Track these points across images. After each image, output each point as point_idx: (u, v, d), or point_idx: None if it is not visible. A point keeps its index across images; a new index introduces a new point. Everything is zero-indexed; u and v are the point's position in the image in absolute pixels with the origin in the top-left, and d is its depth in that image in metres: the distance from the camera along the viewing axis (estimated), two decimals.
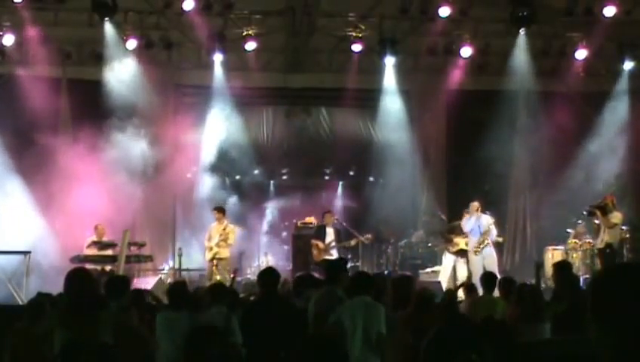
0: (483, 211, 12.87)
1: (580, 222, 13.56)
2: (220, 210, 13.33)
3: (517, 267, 14.05)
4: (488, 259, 12.43)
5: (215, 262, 12.92)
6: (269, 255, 15.58)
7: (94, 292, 4.95)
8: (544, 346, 3.40)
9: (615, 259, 11.80)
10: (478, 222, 12.80)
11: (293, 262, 13.99)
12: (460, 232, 12.81)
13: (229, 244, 13.00)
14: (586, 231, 13.44)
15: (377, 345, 5.59)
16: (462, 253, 12.71)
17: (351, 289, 6.03)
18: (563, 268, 7.87)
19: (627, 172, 14.91)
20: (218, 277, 13.11)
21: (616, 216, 12.10)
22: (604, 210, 12.07)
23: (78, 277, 4.86)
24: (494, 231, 12.81)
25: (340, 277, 6.41)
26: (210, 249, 12.99)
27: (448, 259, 12.83)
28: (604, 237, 12.03)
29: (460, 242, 12.74)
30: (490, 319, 3.29)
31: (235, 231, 13.14)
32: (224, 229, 13.00)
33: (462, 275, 12.54)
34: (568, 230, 13.80)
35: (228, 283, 11.73)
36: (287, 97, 15.93)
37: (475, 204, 12.92)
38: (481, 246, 12.63)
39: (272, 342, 5.77)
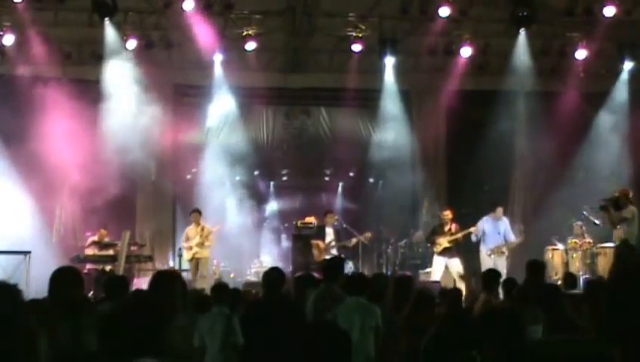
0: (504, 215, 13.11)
1: (578, 222, 13.55)
2: (198, 212, 13.40)
3: (517, 267, 14.01)
4: (500, 263, 12.50)
5: (195, 262, 12.97)
6: (262, 256, 15.59)
7: (79, 294, 4.77)
8: (543, 346, 3.40)
9: (632, 256, 11.44)
10: (496, 228, 12.85)
11: (293, 262, 13.98)
12: (441, 232, 12.86)
13: (208, 245, 13.06)
14: (584, 231, 13.42)
15: (375, 341, 5.61)
16: (448, 252, 12.74)
17: (345, 290, 6.06)
18: (534, 267, 7.88)
19: (627, 172, 14.89)
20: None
21: (630, 211, 11.57)
22: (617, 204, 11.82)
23: (63, 279, 4.70)
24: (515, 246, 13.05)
25: (338, 276, 6.43)
26: (190, 248, 13.07)
27: (438, 260, 12.86)
28: (619, 234, 11.79)
29: (443, 241, 12.78)
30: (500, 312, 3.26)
31: (213, 232, 13.17)
32: (202, 230, 13.07)
33: (456, 272, 12.57)
34: (553, 239, 13.78)
35: (210, 281, 11.83)
36: (287, 97, 15.91)
37: (501, 210, 13.01)
38: (499, 253, 12.69)
39: (272, 342, 5.76)
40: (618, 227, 11.66)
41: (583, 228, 13.47)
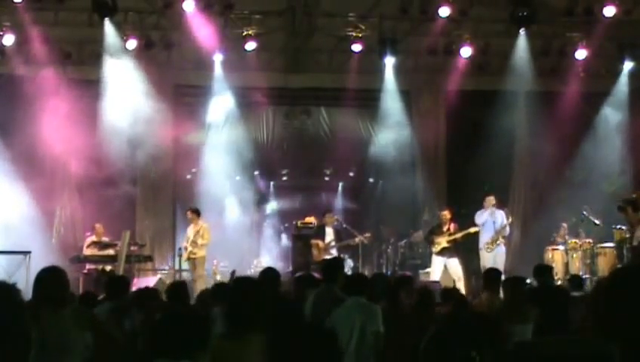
0: (499, 207, 13.07)
1: (563, 224, 13.57)
2: (194, 211, 13.36)
3: (516, 267, 14.02)
4: (499, 258, 12.53)
5: (192, 261, 12.95)
6: (261, 256, 15.59)
7: (65, 293, 4.80)
8: (540, 346, 3.40)
9: None
10: (492, 218, 12.89)
11: (293, 262, 13.99)
12: (440, 232, 12.87)
13: (203, 244, 13.00)
14: (567, 232, 13.45)
15: (375, 345, 5.60)
16: (447, 252, 12.75)
17: (345, 290, 6.05)
18: (540, 271, 7.93)
19: (627, 172, 14.91)
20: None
21: None
22: (636, 206, 11.86)
23: (46, 279, 4.72)
24: (508, 230, 13.08)
25: (337, 276, 6.43)
26: (186, 249, 13.05)
27: (436, 260, 12.87)
28: (638, 234, 11.76)
29: (442, 241, 12.79)
30: (482, 317, 3.28)
31: (209, 230, 13.13)
32: (198, 229, 13.06)
33: (455, 272, 12.58)
34: (555, 235, 13.74)
35: (210, 281, 11.85)
36: (287, 97, 15.91)
37: (491, 199, 13.05)
38: (494, 244, 12.71)
39: (272, 341, 5.75)
40: (638, 228, 11.69)
41: (567, 229, 13.50)
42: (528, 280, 8.29)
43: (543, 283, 7.81)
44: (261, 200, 17.53)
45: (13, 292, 3.79)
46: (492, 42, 14.82)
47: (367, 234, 13.57)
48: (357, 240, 13.43)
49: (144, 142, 14.11)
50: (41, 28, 13.63)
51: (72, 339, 4.46)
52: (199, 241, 12.96)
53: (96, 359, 4.60)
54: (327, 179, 17.94)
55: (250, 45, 14.22)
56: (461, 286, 12.24)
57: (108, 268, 12.42)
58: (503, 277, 7.92)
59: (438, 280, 12.26)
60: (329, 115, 16.43)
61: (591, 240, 13.10)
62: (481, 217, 13.03)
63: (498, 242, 12.86)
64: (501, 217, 13.03)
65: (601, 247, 12.86)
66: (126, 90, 13.92)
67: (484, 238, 12.94)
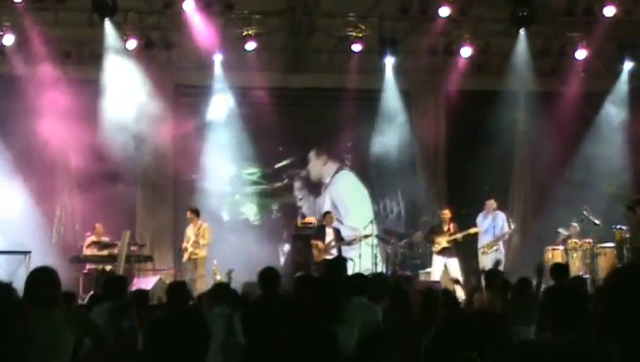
0: (500, 209, 13.11)
1: (574, 224, 13.55)
2: (194, 211, 13.34)
3: (516, 267, 14.03)
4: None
5: (193, 262, 12.93)
6: (260, 256, 15.54)
7: (55, 293, 4.78)
8: (542, 346, 3.40)
9: None
10: (493, 222, 12.91)
11: (293, 262, 13.97)
12: (440, 232, 12.89)
13: (204, 244, 12.99)
14: (579, 232, 13.44)
15: (376, 345, 5.60)
16: (447, 252, 12.75)
17: (347, 290, 6.06)
18: (559, 270, 7.93)
19: (627, 172, 14.91)
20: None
21: None
22: None
23: (37, 279, 4.71)
24: (507, 237, 13.22)
25: (339, 276, 6.44)
26: (186, 249, 13.03)
27: (437, 260, 12.89)
28: None
29: (442, 241, 12.79)
30: (486, 314, 3.29)
31: (209, 230, 13.13)
32: (198, 229, 13.03)
33: (454, 273, 12.58)
34: (560, 230, 13.71)
35: (209, 281, 11.86)
36: (287, 97, 15.90)
37: (492, 203, 13.08)
38: (491, 249, 12.73)
39: (273, 341, 5.76)
40: None
41: (567, 232, 13.48)
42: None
43: (561, 282, 7.77)
44: (261, 200, 17.50)
45: (11, 292, 3.78)
46: (492, 42, 14.83)
47: (368, 232, 13.61)
48: (357, 237, 13.47)
49: (144, 142, 14.12)
50: (41, 28, 13.62)
51: (63, 340, 4.45)
52: (201, 241, 12.97)
53: (88, 360, 4.60)
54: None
55: (250, 45, 14.23)
56: (458, 287, 12.25)
57: (108, 268, 12.42)
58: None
59: (438, 280, 12.26)
60: (329, 114, 16.40)
61: (591, 240, 13.10)
62: (482, 224, 13.06)
63: (496, 247, 12.88)
64: (502, 221, 13.07)
65: (601, 247, 12.86)
66: (126, 90, 13.92)
67: (483, 241, 12.98)
